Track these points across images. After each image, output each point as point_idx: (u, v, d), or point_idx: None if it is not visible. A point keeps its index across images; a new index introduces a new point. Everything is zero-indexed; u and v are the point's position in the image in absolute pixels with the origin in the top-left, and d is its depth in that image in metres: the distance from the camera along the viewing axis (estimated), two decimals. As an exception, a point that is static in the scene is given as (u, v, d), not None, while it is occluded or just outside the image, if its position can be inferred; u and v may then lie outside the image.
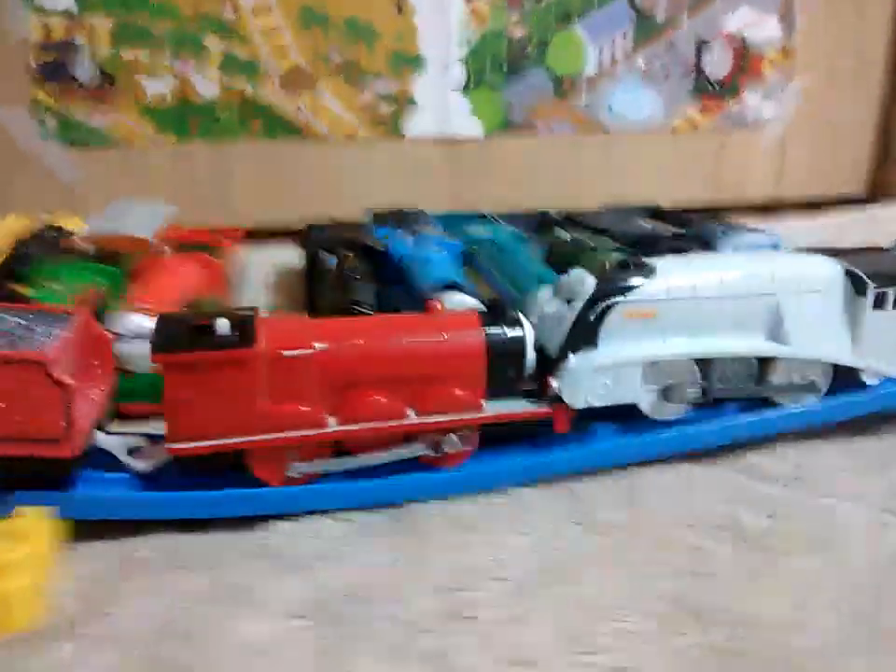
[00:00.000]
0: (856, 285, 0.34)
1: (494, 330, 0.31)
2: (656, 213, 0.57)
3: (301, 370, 0.28)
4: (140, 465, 0.29)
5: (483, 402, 0.31)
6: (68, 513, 0.27)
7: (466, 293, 0.40)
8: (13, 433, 0.25)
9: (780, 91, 0.74)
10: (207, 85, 0.62)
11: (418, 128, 0.67)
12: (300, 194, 0.65)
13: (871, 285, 0.34)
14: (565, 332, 0.31)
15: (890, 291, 0.34)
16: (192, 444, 0.27)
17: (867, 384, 0.35)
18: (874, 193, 0.81)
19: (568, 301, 0.32)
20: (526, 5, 0.66)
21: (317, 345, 0.29)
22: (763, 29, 0.72)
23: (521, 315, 0.32)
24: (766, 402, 0.35)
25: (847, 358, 0.34)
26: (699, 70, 0.71)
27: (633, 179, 0.72)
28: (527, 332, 0.31)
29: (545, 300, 0.34)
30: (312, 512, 0.30)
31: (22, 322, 0.27)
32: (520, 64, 0.67)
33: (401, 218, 0.52)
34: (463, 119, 0.67)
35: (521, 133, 0.69)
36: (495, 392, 0.31)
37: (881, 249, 0.38)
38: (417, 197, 0.60)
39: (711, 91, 0.72)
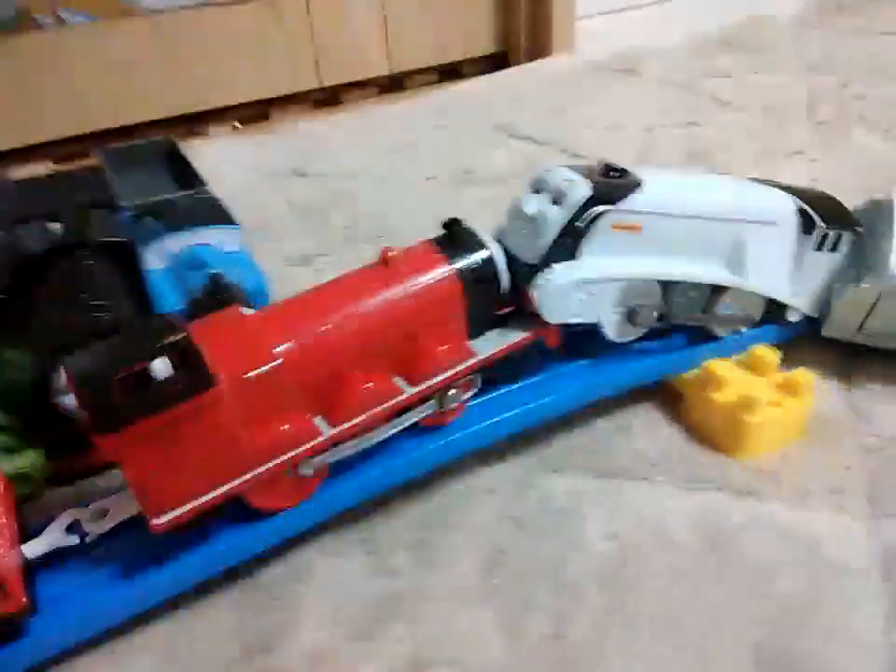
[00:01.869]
0: (805, 223, 0.33)
1: (463, 263, 0.27)
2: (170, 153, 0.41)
3: (272, 382, 0.24)
4: (95, 531, 0.25)
5: (471, 345, 0.27)
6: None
7: None
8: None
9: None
10: None
11: None
12: None
13: (819, 225, 0.33)
14: (548, 239, 0.27)
15: (832, 233, 0.33)
16: (177, 512, 0.23)
17: (790, 319, 0.34)
18: (510, 49, 0.75)
19: (554, 203, 0.28)
20: None
21: (280, 348, 0.24)
22: None
23: (482, 234, 0.28)
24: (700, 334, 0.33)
25: (792, 299, 0.34)
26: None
27: (199, 75, 0.57)
28: (496, 252, 0.27)
29: (523, 198, 0.29)
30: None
31: None
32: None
33: None
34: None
35: (19, 31, 0.51)
36: (475, 324, 0.28)
37: (823, 193, 0.36)
38: None
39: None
